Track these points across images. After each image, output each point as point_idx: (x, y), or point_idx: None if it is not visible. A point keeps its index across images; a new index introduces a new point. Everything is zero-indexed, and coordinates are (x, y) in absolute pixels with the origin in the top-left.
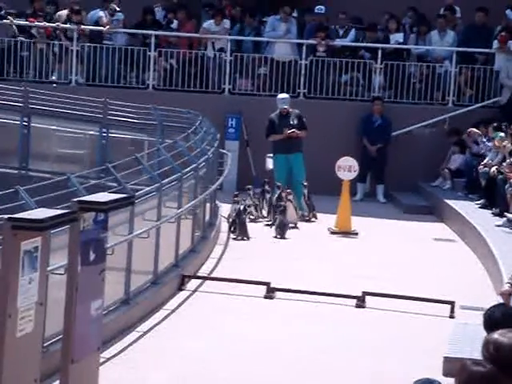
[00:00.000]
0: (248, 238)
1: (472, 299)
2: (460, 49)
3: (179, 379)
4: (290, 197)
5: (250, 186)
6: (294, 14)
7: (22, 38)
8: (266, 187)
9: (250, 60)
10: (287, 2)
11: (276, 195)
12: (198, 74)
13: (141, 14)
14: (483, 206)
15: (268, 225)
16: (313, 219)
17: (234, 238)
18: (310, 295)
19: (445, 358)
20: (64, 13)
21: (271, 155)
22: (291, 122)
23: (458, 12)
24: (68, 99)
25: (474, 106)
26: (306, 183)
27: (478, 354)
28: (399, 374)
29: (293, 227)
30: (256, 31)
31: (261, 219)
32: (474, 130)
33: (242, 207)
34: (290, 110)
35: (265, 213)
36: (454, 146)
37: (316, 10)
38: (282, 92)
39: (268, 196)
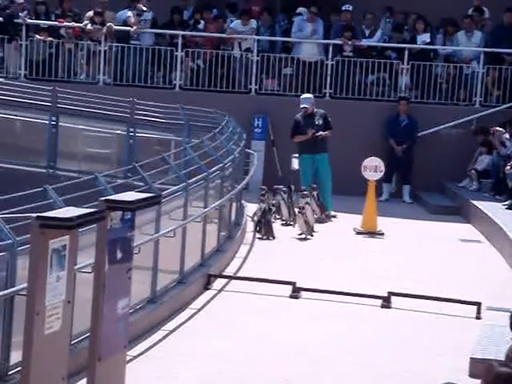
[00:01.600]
0: (274, 238)
1: (498, 300)
2: (487, 49)
3: (205, 378)
4: (308, 199)
5: (280, 186)
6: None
7: (50, 38)
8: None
9: (276, 60)
10: (313, 1)
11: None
12: (224, 74)
13: (168, 13)
14: (510, 207)
15: (288, 224)
16: (326, 220)
17: (259, 238)
18: (335, 295)
19: (471, 358)
20: (89, 15)
21: (297, 155)
22: (316, 123)
23: (486, 13)
24: (95, 99)
25: (501, 107)
26: (315, 185)
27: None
28: (425, 375)
29: (312, 230)
30: (271, 30)
31: (283, 219)
32: (498, 128)
33: (266, 206)
34: (315, 110)
35: (286, 213)
36: (481, 147)
37: (344, 8)
38: (308, 92)
39: (286, 196)
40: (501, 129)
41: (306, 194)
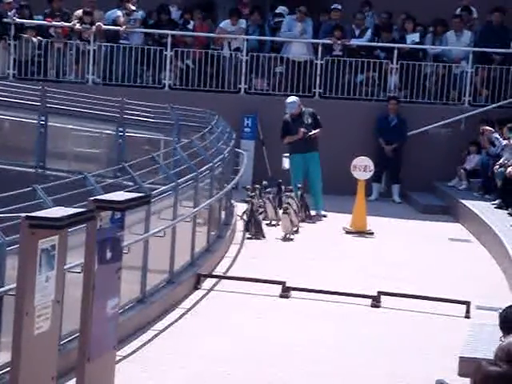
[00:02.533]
0: (264, 237)
1: (488, 299)
2: (476, 49)
3: (195, 378)
4: (290, 200)
5: (257, 186)
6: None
7: (40, 38)
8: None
9: (265, 60)
10: (302, 1)
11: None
12: (214, 73)
13: (156, 13)
14: (499, 207)
15: (273, 225)
16: (307, 220)
17: (249, 237)
18: (325, 295)
19: (460, 358)
20: (78, 14)
21: (287, 155)
22: (305, 122)
23: (474, 13)
24: (85, 98)
25: (490, 107)
26: (300, 185)
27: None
28: (415, 374)
29: (295, 231)
30: (260, 29)
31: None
32: (488, 127)
33: (251, 206)
34: (303, 109)
35: (271, 213)
36: (470, 146)
37: (333, 6)
38: (297, 92)
39: (271, 196)
40: (490, 128)
41: (291, 194)
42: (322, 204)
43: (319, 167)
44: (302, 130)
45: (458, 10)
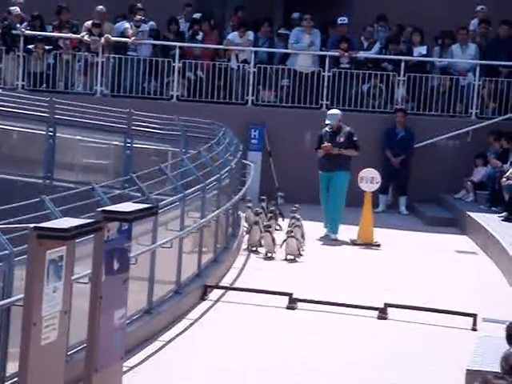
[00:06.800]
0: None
1: (494, 312)
2: (482, 62)
3: None
4: (296, 221)
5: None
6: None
7: (47, 47)
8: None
9: (273, 72)
10: (309, 12)
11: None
12: (221, 85)
13: (166, 25)
14: (506, 219)
15: (255, 250)
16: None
17: (248, 247)
18: (331, 306)
19: (467, 370)
20: (87, 25)
21: None
22: (337, 140)
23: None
24: (93, 110)
25: (497, 119)
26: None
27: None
28: None
29: (297, 254)
30: (270, 42)
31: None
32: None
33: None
34: (343, 126)
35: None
36: (477, 159)
37: (339, 21)
38: (305, 103)
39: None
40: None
41: (295, 215)
42: (335, 228)
43: (341, 189)
44: (322, 149)
45: (475, 21)
